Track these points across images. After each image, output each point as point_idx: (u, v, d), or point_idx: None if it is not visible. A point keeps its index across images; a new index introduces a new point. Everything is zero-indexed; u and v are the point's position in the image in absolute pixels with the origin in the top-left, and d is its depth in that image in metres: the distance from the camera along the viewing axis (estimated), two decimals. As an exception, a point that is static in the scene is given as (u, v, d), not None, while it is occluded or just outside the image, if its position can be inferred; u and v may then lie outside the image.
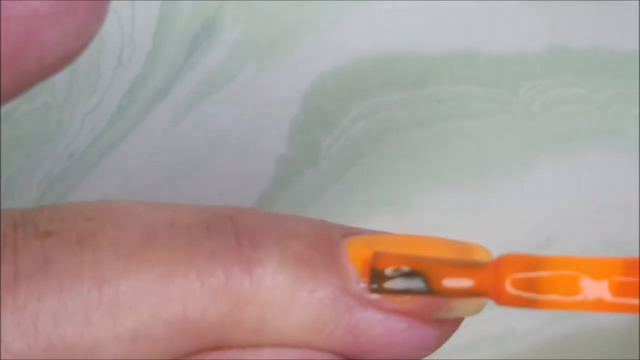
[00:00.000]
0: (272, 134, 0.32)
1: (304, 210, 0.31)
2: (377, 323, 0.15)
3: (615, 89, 0.33)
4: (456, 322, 0.16)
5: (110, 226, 0.14)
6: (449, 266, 0.15)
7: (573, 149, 0.32)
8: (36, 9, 0.12)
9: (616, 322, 0.31)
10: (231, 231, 0.15)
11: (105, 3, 0.12)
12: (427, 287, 0.14)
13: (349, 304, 0.15)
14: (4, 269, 0.14)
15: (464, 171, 0.32)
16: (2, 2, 0.12)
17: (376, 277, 0.15)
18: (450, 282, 0.14)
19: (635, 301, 0.13)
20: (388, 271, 0.15)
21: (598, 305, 0.14)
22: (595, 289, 0.14)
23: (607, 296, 0.13)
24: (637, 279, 0.13)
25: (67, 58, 0.13)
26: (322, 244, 0.15)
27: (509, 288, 0.14)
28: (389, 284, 0.14)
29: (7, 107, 0.30)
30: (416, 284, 0.14)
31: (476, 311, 0.15)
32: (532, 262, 0.14)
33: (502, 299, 0.14)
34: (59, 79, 0.31)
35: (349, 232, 0.15)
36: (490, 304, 0.15)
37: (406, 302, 0.15)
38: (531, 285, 0.14)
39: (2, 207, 0.15)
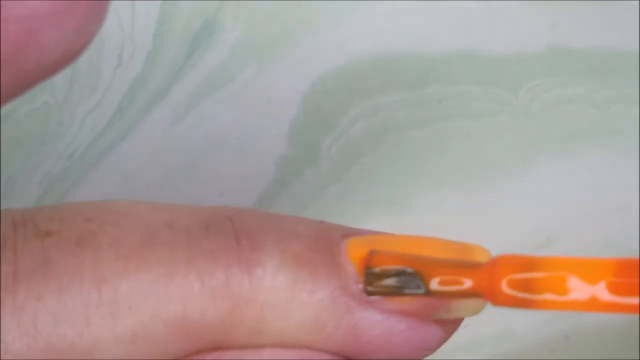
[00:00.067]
0: (272, 134, 0.32)
1: (304, 210, 0.31)
2: (377, 323, 0.15)
3: (615, 89, 0.33)
4: (456, 323, 0.16)
5: (110, 226, 0.14)
6: (445, 266, 0.15)
7: (573, 149, 0.32)
8: (36, 9, 0.12)
9: (616, 322, 0.31)
10: (230, 231, 0.15)
11: (105, 3, 0.12)
12: (422, 287, 0.14)
13: (349, 304, 0.15)
14: (3, 269, 0.14)
15: (464, 171, 0.32)
16: (2, 2, 0.12)
17: (370, 276, 0.15)
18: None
19: (628, 300, 0.13)
20: (383, 270, 0.15)
21: (592, 305, 0.14)
22: (587, 289, 0.14)
23: (601, 296, 0.14)
24: (630, 280, 0.13)
25: (67, 58, 0.12)
26: (322, 245, 0.15)
27: (505, 288, 0.14)
28: (383, 283, 0.14)
29: (7, 107, 0.30)
30: (411, 283, 0.14)
31: (476, 311, 0.15)
32: (528, 263, 0.14)
33: (498, 300, 0.14)
34: (59, 78, 0.31)
35: (349, 233, 0.15)
36: (489, 303, 0.15)
37: (406, 302, 0.15)
38: (526, 285, 0.14)
39: (2, 207, 0.15)
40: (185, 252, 0.14)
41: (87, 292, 0.14)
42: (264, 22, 0.32)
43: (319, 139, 0.32)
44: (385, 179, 0.32)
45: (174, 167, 0.31)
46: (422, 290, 0.14)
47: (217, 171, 0.31)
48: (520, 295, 0.14)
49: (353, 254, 0.15)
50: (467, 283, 0.14)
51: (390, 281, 0.15)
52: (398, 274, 0.15)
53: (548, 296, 0.14)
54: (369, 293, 0.15)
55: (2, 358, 0.13)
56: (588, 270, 0.14)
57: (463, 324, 0.16)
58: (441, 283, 0.14)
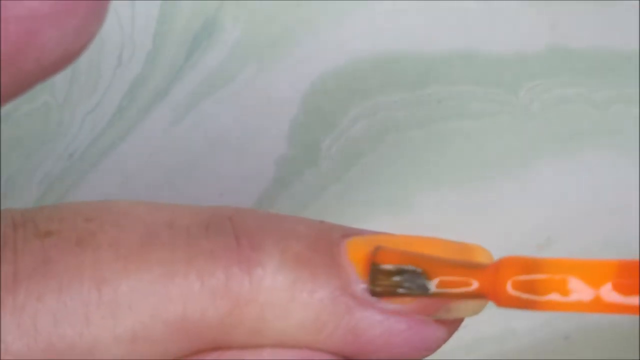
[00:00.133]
0: (272, 134, 0.32)
1: (304, 210, 0.31)
2: (377, 323, 0.15)
3: (615, 89, 0.33)
4: (456, 323, 0.16)
5: (110, 226, 0.14)
6: (450, 266, 0.15)
7: (573, 149, 0.32)
8: (36, 9, 0.12)
9: (616, 322, 0.31)
10: (230, 231, 0.15)
11: (105, 3, 0.12)
12: (427, 286, 0.14)
13: (349, 304, 0.15)
14: (3, 269, 0.14)
15: (464, 171, 0.32)
16: (2, 2, 0.12)
17: (375, 272, 0.15)
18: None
19: (632, 301, 0.13)
20: (388, 267, 0.15)
21: (595, 306, 0.14)
22: (590, 290, 0.14)
23: (604, 297, 0.14)
24: (633, 281, 0.13)
25: (67, 58, 0.12)
26: (322, 245, 0.15)
27: (510, 290, 0.14)
28: (388, 280, 0.14)
29: (7, 107, 0.30)
30: (417, 282, 0.14)
31: (476, 312, 0.15)
32: (532, 265, 0.14)
33: (502, 301, 0.14)
34: (59, 78, 0.31)
35: (349, 233, 0.15)
36: (490, 304, 0.15)
37: (406, 302, 0.15)
38: (531, 287, 0.14)
39: (2, 207, 0.15)
40: (185, 252, 0.14)
41: (87, 292, 0.14)
42: (264, 22, 0.32)
43: (319, 139, 0.32)
44: (385, 179, 0.32)
45: (174, 167, 0.31)
46: (426, 290, 0.14)
47: (217, 171, 0.31)
48: (525, 296, 0.14)
49: (353, 254, 0.15)
50: (473, 284, 0.14)
51: (395, 279, 0.15)
52: (403, 272, 0.15)
53: (552, 297, 0.14)
54: (373, 290, 0.15)
55: (2, 358, 0.13)
56: (591, 271, 0.14)
57: (463, 324, 0.16)
58: (446, 283, 0.14)
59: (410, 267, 0.15)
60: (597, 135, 0.32)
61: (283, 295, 0.14)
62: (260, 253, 0.14)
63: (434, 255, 0.15)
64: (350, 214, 0.31)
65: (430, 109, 0.32)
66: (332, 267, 0.15)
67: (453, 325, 0.16)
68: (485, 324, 0.30)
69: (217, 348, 0.15)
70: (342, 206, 0.31)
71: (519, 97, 0.33)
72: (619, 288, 0.14)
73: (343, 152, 0.32)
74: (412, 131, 0.32)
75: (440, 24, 0.33)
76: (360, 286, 0.15)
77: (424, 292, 0.14)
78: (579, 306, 0.14)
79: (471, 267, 0.15)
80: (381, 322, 0.15)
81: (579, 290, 0.14)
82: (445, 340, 0.16)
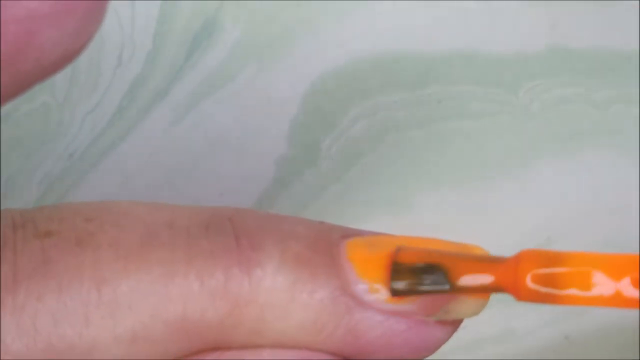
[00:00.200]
0: (272, 134, 0.32)
1: (304, 211, 0.31)
2: (377, 324, 0.15)
3: (615, 89, 0.33)
4: (456, 323, 0.16)
5: (110, 226, 0.14)
6: (469, 262, 0.15)
7: (573, 149, 0.32)
8: (35, 9, 0.12)
9: (616, 322, 0.31)
10: (230, 232, 0.15)
11: (104, 3, 0.12)
12: (447, 283, 0.14)
13: (349, 304, 0.15)
14: (3, 270, 0.14)
15: (464, 171, 0.32)
16: (1, 2, 0.12)
17: (397, 271, 0.15)
18: (471, 278, 0.14)
19: None
20: (409, 266, 0.15)
21: (616, 300, 0.14)
22: (611, 285, 0.14)
23: (625, 292, 0.14)
24: None
25: (66, 58, 0.12)
26: (322, 245, 0.15)
27: (530, 284, 0.14)
28: (409, 279, 0.14)
29: (7, 107, 0.30)
30: (437, 279, 0.14)
31: (475, 313, 0.15)
32: (552, 258, 0.14)
33: (522, 294, 0.14)
34: (59, 78, 0.31)
35: (349, 233, 0.15)
36: (490, 304, 0.15)
37: (405, 302, 0.15)
38: (550, 281, 0.14)
39: (2, 207, 0.15)
40: (185, 253, 0.14)
41: (86, 292, 0.14)
42: (264, 22, 0.32)
43: (319, 139, 0.32)
44: (385, 179, 0.32)
45: (174, 167, 0.31)
46: (447, 287, 0.14)
47: (217, 171, 0.31)
48: (544, 290, 0.14)
49: (353, 254, 0.15)
50: (491, 279, 0.14)
51: (416, 278, 0.15)
52: (424, 270, 0.15)
53: (572, 292, 0.14)
54: (395, 289, 0.15)
55: (1, 358, 0.13)
56: (613, 265, 0.14)
57: (463, 324, 0.16)
58: (466, 279, 0.14)
59: (431, 264, 0.15)
60: (597, 135, 0.32)
61: (283, 296, 0.14)
62: (260, 253, 0.14)
63: (453, 252, 0.15)
64: (350, 214, 0.31)
65: (430, 109, 0.32)
66: (331, 267, 0.15)
67: (453, 325, 0.15)
68: (485, 324, 0.30)
69: (216, 348, 0.15)
70: (342, 206, 0.31)
71: (519, 97, 0.33)
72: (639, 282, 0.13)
73: (343, 152, 0.32)
74: (412, 131, 0.32)
75: (440, 24, 0.33)
76: (360, 286, 0.15)
77: (445, 288, 0.14)
78: (599, 300, 0.14)
79: (491, 262, 0.14)
80: (381, 322, 0.15)
81: (601, 284, 0.14)
82: (445, 341, 0.16)
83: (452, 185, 0.32)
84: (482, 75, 0.33)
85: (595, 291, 0.14)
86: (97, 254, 0.14)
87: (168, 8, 0.32)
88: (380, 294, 0.15)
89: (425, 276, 0.15)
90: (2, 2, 0.12)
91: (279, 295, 0.14)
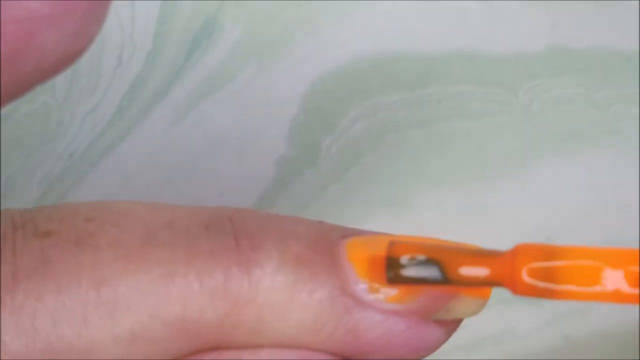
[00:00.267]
0: (272, 134, 0.32)
1: (304, 211, 0.31)
2: (377, 324, 0.15)
3: (615, 89, 0.33)
4: (455, 323, 0.16)
5: (109, 226, 0.14)
6: (465, 255, 0.14)
7: (573, 149, 0.32)
8: (35, 10, 0.12)
9: (616, 322, 0.31)
10: (230, 232, 0.15)
11: (105, 4, 0.12)
12: (442, 276, 0.14)
13: (348, 304, 0.15)
14: (2, 269, 0.14)
15: (464, 171, 0.32)
16: (1, 2, 0.12)
17: (391, 265, 0.14)
18: (467, 271, 0.14)
19: None
20: (403, 259, 0.15)
21: (616, 296, 0.13)
22: (613, 279, 0.13)
23: (625, 287, 0.13)
24: None
25: (66, 59, 0.12)
26: (321, 245, 0.15)
27: (526, 277, 0.14)
28: (404, 272, 0.14)
29: (7, 107, 0.30)
30: (432, 272, 0.14)
31: (475, 312, 0.15)
32: (550, 252, 0.14)
33: (519, 289, 0.14)
34: (59, 79, 0.31)
35: (348, 233, 0.15)
36: (489, 304, 0.15)
37: (405, 302, 0.15)
38: (548, 275, 0.14)
39: (2, 207, 0.15)
40: (185, 253, 0.14)
41: (85, 293, 0.14)
42: (264, 22, 0.32)
43: (319, 139, 0.32)
44: (385, 179, 0.32)
45: (174, 167, 0.31)
46: (441, 279, 0.14)
47: (217, 171, 0.31)
48: (541, 284, 0.14)
49: (352, 254, 0.15)
50: (487, 272, 0.14)
51: (410, 270, 0.14)
52: (418, 262, 0.14)
53: (571, 287, 0.14)
54: (390, 282, 0.14)
55: (1, 358, 0.13)
56: (613, 260, 0.14)
57: (463, 324, 0.16)
58: (462, 272, 0.14)
59: (423, 257, 0.14)
60: (597, 135, 0.32)
61: (282, 296, 0.14)
62: (259, 253, 0.14)
63: (449, 245, 0.15)
64: (350, 214, 0.31)
65: (430, 109, 0.32)
66: (331, 267, 0.15)
67: (452, 325, 0.15)
68: (485, 324, 0.30)
69: (216, 348, 0.15)
70: (342, 206, 0.31)
71: (519, 97, 0.33)
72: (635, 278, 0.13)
73: (343, 152, 0.32)
74: (412, 131, 0.32)
75: (440, 24, 0.33)
76: (360, 286, 0.15)
77: (439, 281, 0.14)
78: (598, 296, 0.14)
79: (487, 256, 0.14)
80: (381, 322, 0.15)
81: (608, 279, 0.13)
82: (444, 341, 0.16)
83: (452, 185, 0.32)
84: (482, 75, 0.33)
85: (598, 287, 0.14)
86: (96, 254, 0.14)
87: (168, 8, 0.32)
88: (379, 294, 0.15)
89: (420, 268, 0.14)
90: (2, 2, 0.12)
91: (278, 295, 0.14)
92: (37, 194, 0.30)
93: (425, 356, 0.15)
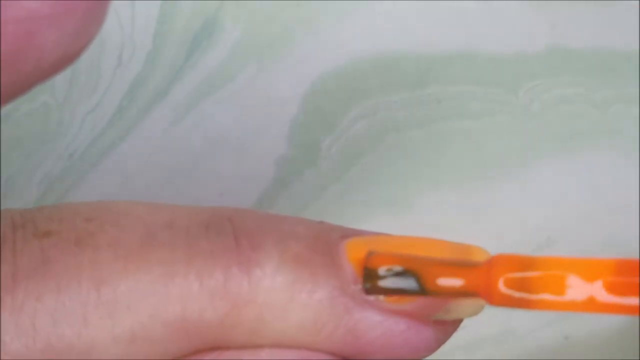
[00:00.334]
0: (272, 134, 0.32)
1: (304, 211, 0.31)
2: (377, 324, 0.15)
3: (615, 89, 0.33)
4: (455, 323, 0.16)
5: (109, 226, 0.14)
6: (442, 265, 0.15)
7: (573, 149, 0.32)
8: (35, 10, 0.12)
9: (616, 322, 0.31)
10: (230, 232, 0.15)
11: (105, 4, 0.12)
12: (419, 287, 0.14)
13: (348, 304, 0.15)
14: (2, 269, 0.14)
15: (464, 171, 0.32)
16: (1, 3, 0.12)
17: (369, 276, 0.15)
18: (442, 282, 0.14)
19: (627, 301, 0.13)
20: (381, 270, 0.15)
21: (589, 305, 0.14)
22: (585, 289, 0.14)
23: (599, 296, 0.13)
24: (629, 280, 0.13)
25: (66, 59, 0.12)
26: (321, 245, 0.15)
27: (502, 288, 0.14)
28: (381, 283, 0.14)
29: (7, 107, 0.30)
30: (408, 283, 0.14)
31: (475, 312, 0.15)
32: (525, 262, 0.14)
33: (494, 299, 0.14)
34: (59, 78, 0.31)
35: (348, 234, 0.15)
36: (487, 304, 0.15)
37: (405, 302, 0.15)
38: (523, 285, 0.14)
39: (2, 207, 0.15)
40: (185, 253, 0.14)
41: (85, 293, 0.14)
42: (264, 22, 0.32)
43: (319, 139, 0.32)
44: (385, 179, 0.32)
45: (174, 167, 0.31)
46: (418, 289, 0.14)
47: (217, 171, 0.31)
48: (517, 295, 0.14)
49: (352, 254, 0.15)
50: (463, 282, 0.14)
51: (388, 281, 0.15)
52: (395, 273, 0.15)
53: (545, 296, 0.14)
54: (367, 292, 0.15)
55: (1, 358, 0.13)
56: (586, 269, 0.14)
57: (463, 324, 0.16)
58: (438, 282, 0.14)
59: (402, 268, 0.15)
60: (597, 135, 0.32)
61: (282, 296, 0.14)
62: (259, 253, 0.14)
63: (426, 256, 0.15)
64: (350, 214, 0.31)
65: (430, 109, 0.32)
66: (331, 267, 0.15)
67: (452, 325, 0.15)
68: (485, 324, 0.30)
69: (216, 348, 0.15)
70: (342, 206, 0.31)
71: (519, 97, 0.33)
72: (616, 286, 0.13)
73: (343, 152, 0.32)
74: (412, 131, 0.32)
75: (440, 24, 0.33)
76: (360, 287, 0.15)
77: (416, 291, 0.14)
78: (572, 305, 0.14)
79: (465, 266, 0.14)
80: (381, 322, 0.15)
81: (574, 289, 0.14)
82: (444, 341, 0.16)
83: (452, 185, 0.32)
84: (482, 75, 0.33)
85: (568, 295, 0.14)
86: (96, 254, 0.14)
87: (168, 8, 0.32)
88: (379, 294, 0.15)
89: (397, 279, 0.15)
90: (2, 2, 0.12)
91: (278, 295, 0.14)
92: (37, 194, 0.30)
93: (426, 356, 0.15)
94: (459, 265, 0.15)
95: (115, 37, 0.31)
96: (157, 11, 0.32)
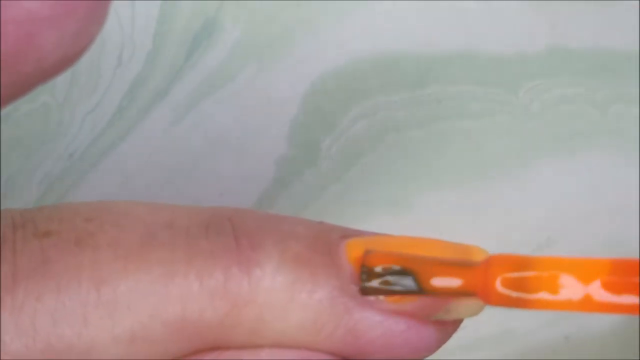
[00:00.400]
0: (272, 134, 0.32)
1: (304, 211, 0.31)
2: (377, 324, 0.15)
3: (615, 89, 0.33)
4: (456, 323, 0.16)
5: (109, 226, 0.14)
6: (439, 265, 0.15)
7: (573, 149, 0.32)
8: (35, 11, 0.12)
9: (616, 323, 0.31)
10: (230, 232, 0.15)
11: (105, 4, 0.12)
12: (416, 286, 0.14)
13: (348, 304, 0.15)
14: (3, 269, 0.14)
15: (464, 171, 0.32)
16: (1, 3, 0.12)
17: (366, 275, 0.15)
18: (440, 282, 0.14)
19: (623, 300, 0.13)
20: (378, 269, 0.15)
21: (586, 305, 0.14)
22: (580, 288, 0.14)
23: (595, 296, 0.14)
24: (626, 279, 0.13)
25: (66, 61, 0.12)
26: (321, 245, 0.15)
27: (499, 288, 0.14)
28: (378, 282, 0.14)
29: (7, 107, 0.30)
30: (406, 282, 0.14)
31: (475, 312, 0.15)
32: (522, 262, 0.14)
33: (492, 299, 0.14)
34: (60, 79, 0.31)
35: (348, 234, 0.15)
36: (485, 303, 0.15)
37: (405, 303, 0.15)
38: (520, 284, 0.14)
39: (2, 207, 0.15)
40: (185, 253, 0.14)
41: (85, 293, 0.14)
42: (264, 22, 0.32)
43: (319, 139, 0.32)
44: (385, 179, 0.32)
45: (174, 167, 0.31)
46: (415, 289, 0.14)
47: (217, 171, 0.31)
48: (514, 294, 0.14)
49: (352, 254, 0.15)
50: (460, 282, 0.14)
51: (383, 280, 0.15)
52: (392, 273, 0.15)
53: (542, 295, 0.14)
54: (364, 291, 0.15)
55: (1, 358, 0.13)
56: (583, 269, 0.14)
57: (463, 324, 0.16)
58: (434, 282, 0.14)
59: (399, 267, 0.15)
60: (597, 135, 0.33)
61: (282, 296, 0.14)
62: (259, 253, 0.14)
63: (423, 255, 0.15)
64: (350, 214, 0.31)
65: (430, 109, 0.32)
66: (331, 267, 0.15)
67: (453, 325, 0.15)
68: (484, 324, 0.30)
69: (216, 348, 0.15)
70: (342, 206, 0.31)
71: (519, 97, 0.33)
72: (609, 286, 0.13)
73: (343, 152, 0.32)
74: (412, 131, 0.32)
75: (440, 24, 0.33)
76: (357, 286, 0.15)
77: (414, 291, 0.14)
78: (569, 305, 0.14)
79: (462, 266, 0.14)
80: (381, 322, 0.15)
81: (570, 288, 0.14)
82: (444, 341, 0.16)
83: (452, 185, 0.32)
84: (482, 75, 0.33)
85: (564, 295, 0.14)
86: (96, 254, 0.14)
87: (168, 8, 0.32)
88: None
89: (391, 279, 0.15)
90: (2, 3, 0.12)
91: (278, 295, 0.14)
92: (37, 194, 0.30)
93: (426, 356, 0.15)
94: (457, 265, 0.15)
95: (115, 37, 0.31)
96: (157, 11, 0.32)
